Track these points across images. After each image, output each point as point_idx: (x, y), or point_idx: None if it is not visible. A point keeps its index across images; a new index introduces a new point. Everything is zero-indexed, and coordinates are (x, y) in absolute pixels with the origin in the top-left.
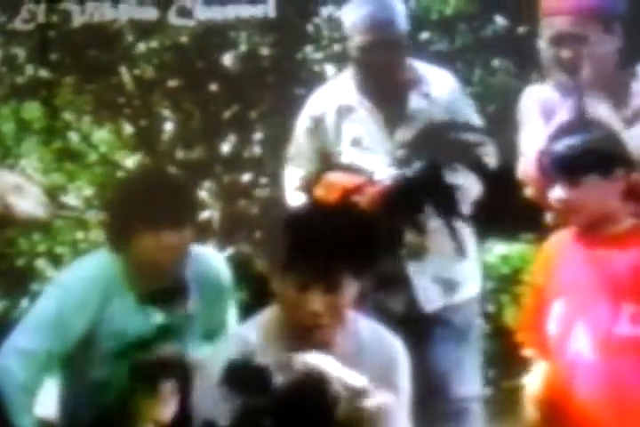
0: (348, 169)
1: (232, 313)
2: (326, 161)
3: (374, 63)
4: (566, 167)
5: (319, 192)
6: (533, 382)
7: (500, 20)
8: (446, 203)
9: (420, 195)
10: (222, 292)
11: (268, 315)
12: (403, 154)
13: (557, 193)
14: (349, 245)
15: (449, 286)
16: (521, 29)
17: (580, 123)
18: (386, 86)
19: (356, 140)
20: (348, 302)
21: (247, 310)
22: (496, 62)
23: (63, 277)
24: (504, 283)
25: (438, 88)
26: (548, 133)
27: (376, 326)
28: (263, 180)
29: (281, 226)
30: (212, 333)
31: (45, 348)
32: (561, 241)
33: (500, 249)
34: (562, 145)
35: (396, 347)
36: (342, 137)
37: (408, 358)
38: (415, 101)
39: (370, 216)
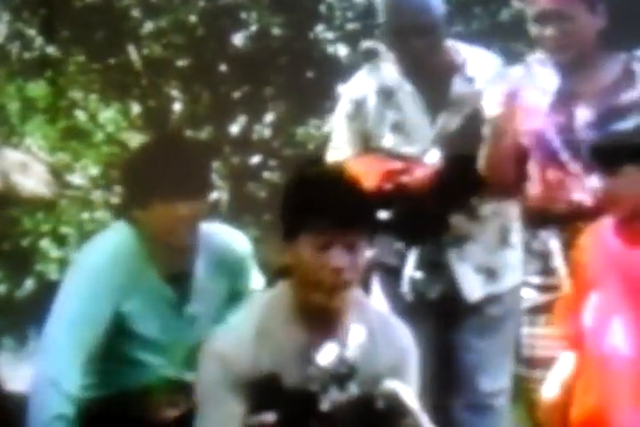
0: (391, 154)
1: (254, 280)
2: (368, 145)
3: (410, 48)
4: (604, 157)
5: (363, 173)
6: (560, 373)
7: (516, 4)
8: None
9: (475, 179)
10: (238, 264)
11: (268, 296)
12: (448, 139)
13: (595, 183)
14: (366, 204)
15: (491, 275)
16: None
17: (617, 111)
18: (426, 70)
19: (397, 125)
20: (363, 263)
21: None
22: (512, 46)
23: (87, 259)
24: None
25: (482, 72)
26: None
27: (386, 316)
28: (272, 162)
29: (300, 187)
30: (238, 301)
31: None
32: (599, 231)
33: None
34: (599, 134)
35: (406, 338)
36: (383, 121)
37: (419, 349)
38: (458, 86)
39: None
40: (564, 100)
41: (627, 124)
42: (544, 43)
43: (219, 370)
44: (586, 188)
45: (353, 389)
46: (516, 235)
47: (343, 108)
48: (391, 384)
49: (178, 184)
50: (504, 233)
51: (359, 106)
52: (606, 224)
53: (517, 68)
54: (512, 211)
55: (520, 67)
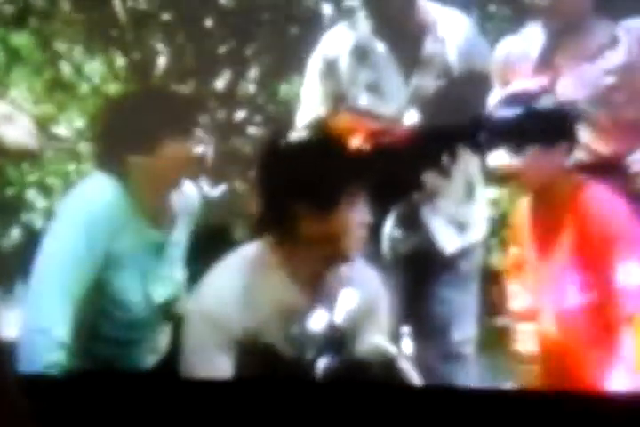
0: (366, 114)
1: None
2: (340, 104)
3: (384, 8)
4: (511, 135)
5: (338, 133)
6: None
7: None
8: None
9: (447, 137)
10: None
11: (254, 251)
12: (425, 100)
13: (500, 159)
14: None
15: (461, 227)
16: None
17: (532, 92)
18: (400, 30)
19: (371, 84)
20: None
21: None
22: (493, 8)
23: (75, 206)
24: (493, 226)
25: (453, 32)
26: (500, 97)
27: (357, 262)
28: (257, 117)
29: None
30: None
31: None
32: (524, 205)
33: (489, 193)
34: (509, 112)
35: (376, 285)
36: (357, 81)
37: (398, 298)
38: (430, 46)
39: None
40: (549, 63)
41: (537, 106)
42: (537, 9)
43: (206, 328)
44: None
45: (345, 353)
46: (480, 190)
47: (315, 66)
48: (385, 345)
49: (185, 123)
50: (469, 188)
51: (331, 65)
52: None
53: (510, 38)
54: (475, 167)
55: (512, 37)
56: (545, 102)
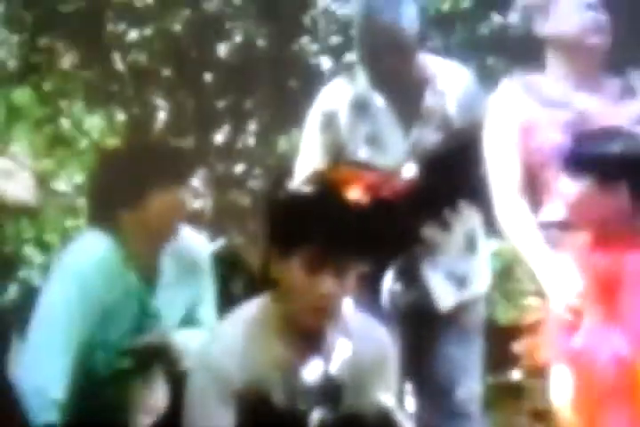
0: (366, 166)
1: (209, 298)
2: (339, 157)
3: (381, 65)
4: (576, 165)
5: (336, 186)
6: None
7: (496, 18)
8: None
9: (448, 191)
10: (198, 272)
11: (256, 307)
12: (425, 153)
13: (566, 188)
14: (362, 229)
15: (461, 282)
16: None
17: (605, 130)
18: (399, 84)
19: (371, 137)
20: (352, 287)
21: (237, 301)
22: (491, 60)
23: (70, 266)
24: (495, 279)
25: (452, 85)
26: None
27: (365, 318)
28: (256, 170)
29: (294, 206)
30: (190, 316)
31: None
32: (578, 248)
33: (491, 245)
34: (590, 146)
35: (385, 342)
36: (357, 134)
37: (399, 354)
38: (429, 99)
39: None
40: (570, 114)
41: (613, 147)
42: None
43: (209, 380)
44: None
45: (342, 406)
46: (482, 241)
47: (314, 120)
48: (381, 398)
49: (172, 171)
50: (470, 240)
51: (331, 118)
52: (582, 240)
53: (508, 81)
54: (475, 218)
55: (510, 80)
56: (618, 142)
